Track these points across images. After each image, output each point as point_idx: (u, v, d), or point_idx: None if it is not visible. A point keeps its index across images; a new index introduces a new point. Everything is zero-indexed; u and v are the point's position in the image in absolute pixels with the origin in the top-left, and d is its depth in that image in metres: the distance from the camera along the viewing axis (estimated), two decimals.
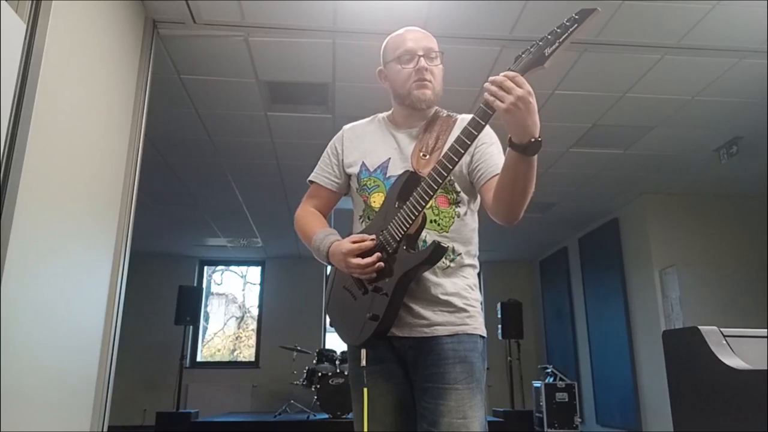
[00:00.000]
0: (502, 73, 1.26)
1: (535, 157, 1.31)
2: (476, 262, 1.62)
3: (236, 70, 3.71)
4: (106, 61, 2.64)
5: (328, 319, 1.69)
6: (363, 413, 1.48)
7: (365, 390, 1.49)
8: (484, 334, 1.57)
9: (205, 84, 3.89)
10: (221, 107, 4.22)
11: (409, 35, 1.62)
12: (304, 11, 3.13)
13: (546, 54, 1.25)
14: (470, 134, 1.33)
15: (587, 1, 1.28)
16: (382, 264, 1.44)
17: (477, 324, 1.55)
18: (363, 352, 1.49)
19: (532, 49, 1.28)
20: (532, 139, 1.27)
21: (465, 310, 1.53)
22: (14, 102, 1.93)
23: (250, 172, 5.41)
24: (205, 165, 5.27)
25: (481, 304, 1.63)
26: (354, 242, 1.47)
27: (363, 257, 1.45)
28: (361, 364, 1.49)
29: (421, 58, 1.56)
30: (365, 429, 1.47)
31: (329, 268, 1.66)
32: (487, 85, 1.26)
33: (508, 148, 1.33)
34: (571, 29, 1.24)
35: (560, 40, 1.24)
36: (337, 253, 1.50)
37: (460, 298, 1.53)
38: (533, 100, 1.25)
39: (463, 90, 3.88)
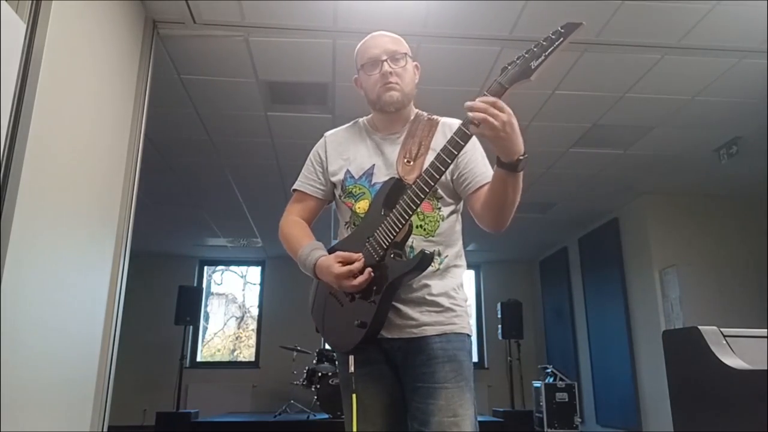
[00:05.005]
0: (479, 99, 1.28)
1: (522, 172, 1.36)
2: (463, 262, 1.64)
3: (236, 70, 3.71)
4: (106, 61, 2.64)
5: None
6: (353, 418, 1.49)
7: (354, 396, 1.49)
8: (471, 333, 1.59)
9: (205, 84, 3.89)
10: (221, 107, 4.22)
11: (373, 41, 1.64)
12: (304, 11, 3.13)
13: (532, 67, 1.28)
14: (457, 144, 1.35)
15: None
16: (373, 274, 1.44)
17: (464, 323, 1.56)
18: (351, 358, 1.50)
19: (518, 61, 1.30)
20: (519, 157, 1.32)
21: (452, 310, 1.54)
22: (14, 102, 1.93)
23: (250, 172, 5.41)
24: (205, 165, 5.27)
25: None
26: (340, 261, 1.46)
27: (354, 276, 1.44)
28: (350, 371, 1.49)
29: (385, 63, 1.58)
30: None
31: None
32: (471, 114, 1.28)
33: (496, 166, 1.37)
34: (557, 43, 1.26)
35: (546, 53, 1.27)
36: (325, 272, 1.49)
37: (447, 298, 1.54)
38: (515, 121, 1.28)
39: (463, 90, 3.88)
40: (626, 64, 3.63)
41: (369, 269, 1.44)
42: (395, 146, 1.62)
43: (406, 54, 1.61)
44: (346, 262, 1.45)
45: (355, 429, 1.48)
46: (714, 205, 5.93)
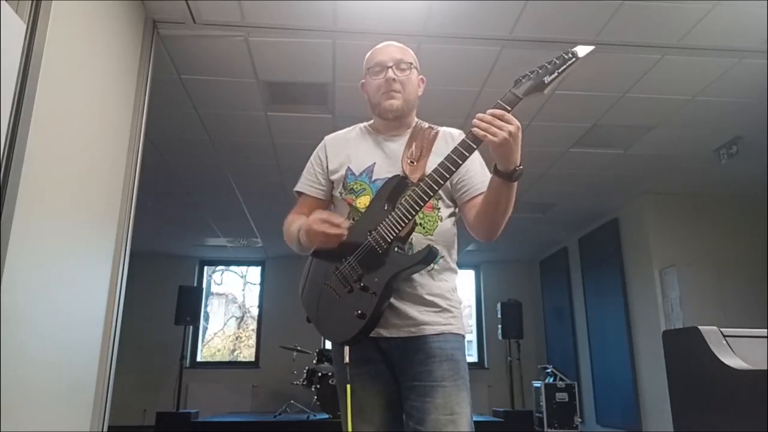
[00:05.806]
0: (489, 111, 1.36)
1: (516, 182, 1.43)
2: (456, 268, 1.67)
3: (236, 70, 3.71)
4: (106, 61, 2.64)
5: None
6: (347, 410, 1.50)
7: (348, 387, 1.50)
8: (465, 335, 1.63)
9: (205, 84, 3.89)
10: (221, 107, 4.22)
11: (382, 49, 1.70)
12: (304, 11, 3.13)
13: (545, 81, 1.38)
14: (469, 147, 1.41)
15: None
16: (344, 231, 1.47)
17: (460, 324, 1.60)
18: (346, 349, 1.51)
19: (531, 75, 1.39)
20: (516, 168, 1.40)
21: (449, 311, 1.57)
22: (14, 102, 1.93)
23: (250, 172, 5.41)
24: (205, 165, 5.27)
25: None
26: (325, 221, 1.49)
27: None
28: (345, 361, 1.50)
29: (390, 69, 1.63)
30: (349, 425, 1.48)
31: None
32: (476, 121, 1.36)
33: (492, 175, 1.44)
34: (569, 62, 1.38)
35: (559, 71, 1.38)
36: (311, 221, 1.50)
37: (444, 300, 1.57)
38: (520, 134, 1.37)
39: (463, 90, 3.88)
40: (626, 64, 3.63)
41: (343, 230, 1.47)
42: (396, 145, 1.65)
43: (412, 64, 1.67)
44: (330, 222, 1.48)
45: (349, 419, 1.48)
46: (714, 205, 5.93)
